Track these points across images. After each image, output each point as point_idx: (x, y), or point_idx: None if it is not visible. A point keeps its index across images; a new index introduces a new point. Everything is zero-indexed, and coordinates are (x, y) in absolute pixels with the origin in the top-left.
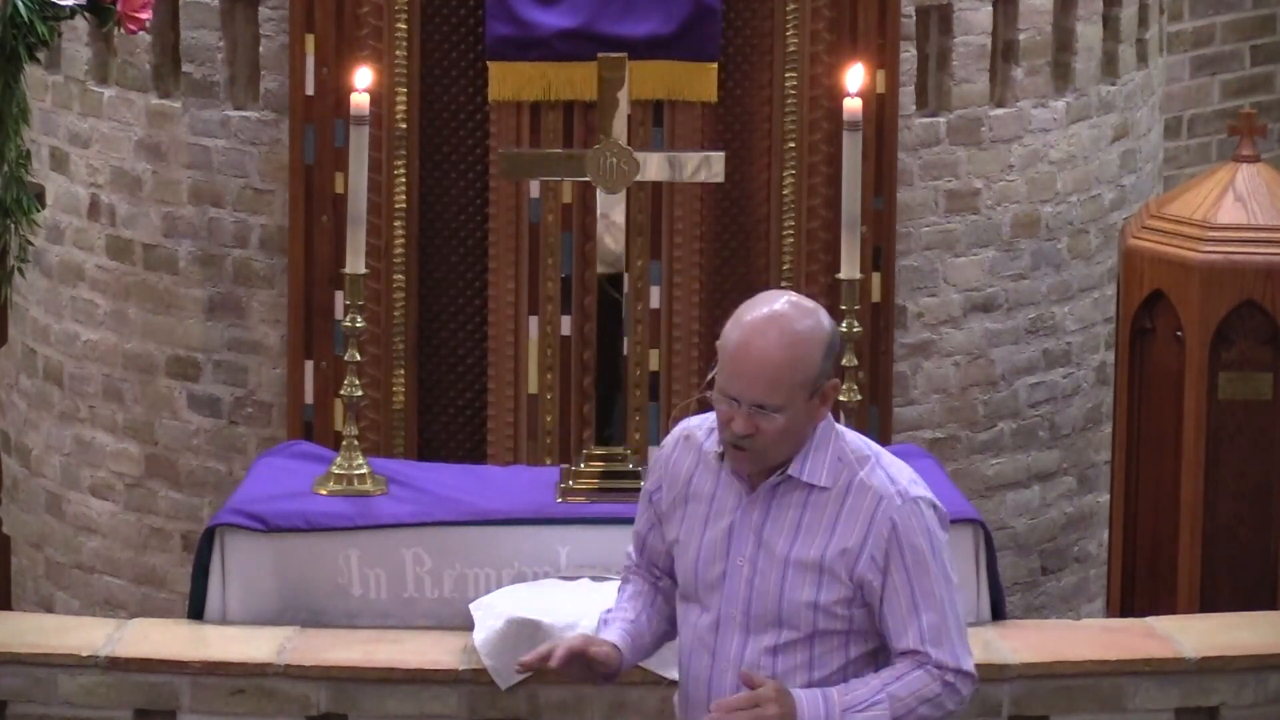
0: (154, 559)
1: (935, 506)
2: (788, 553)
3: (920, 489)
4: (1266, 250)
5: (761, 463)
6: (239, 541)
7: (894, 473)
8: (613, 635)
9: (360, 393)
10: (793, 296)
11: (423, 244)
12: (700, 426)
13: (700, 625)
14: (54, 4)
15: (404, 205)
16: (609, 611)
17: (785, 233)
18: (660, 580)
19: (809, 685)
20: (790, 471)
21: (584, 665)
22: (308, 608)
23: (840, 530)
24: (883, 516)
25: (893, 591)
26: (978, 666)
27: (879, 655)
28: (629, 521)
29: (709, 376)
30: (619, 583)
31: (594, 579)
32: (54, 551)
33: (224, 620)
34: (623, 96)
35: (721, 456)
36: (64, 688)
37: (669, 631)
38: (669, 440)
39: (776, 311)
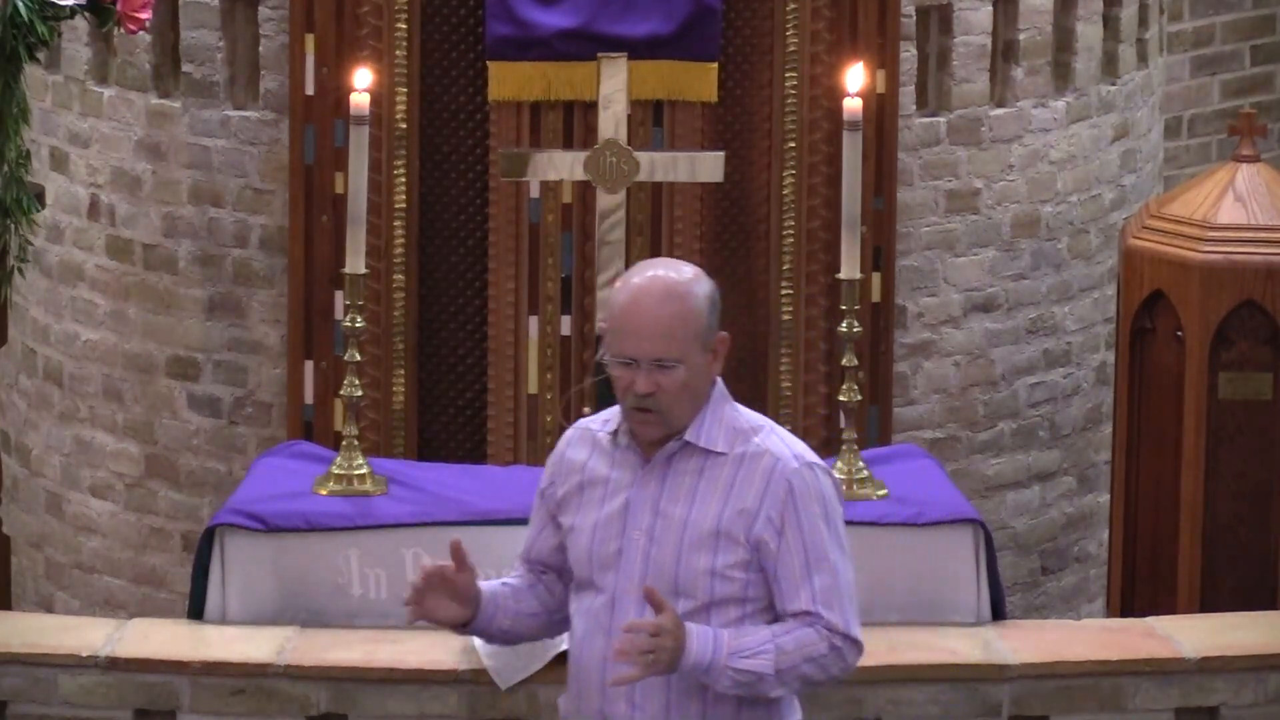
0: (154, 559)
1: (831, 475)
2: (685, 518)
3: (815, 458)
4: (1266, 250)
5: (667, 424)
6: (239, 541)
7: (789, 440)
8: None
9: (360, 393)
10: (668, 260)
11: (423, 244)
12: (594, 420)
13: (595, 606)
14: (54, 4)
15: (404, 205)
16: None
17: (785, 233)
18: (545, 574)
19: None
20: (688, 437)
21: (446, 589)
22: (308, 608)
23: (737, 492)
24: (779, 478)
25: (787, 552)
26: (978, 667)
27: None
28: None
29: (597, 357)
30: None
31: None
32: (54, 551)
33: (224, 620)
34: (622, 96)
35: (615, 436)
36: (64, 688)
37: (540, 615)
38: (562, 439)
39: (657, 274)
